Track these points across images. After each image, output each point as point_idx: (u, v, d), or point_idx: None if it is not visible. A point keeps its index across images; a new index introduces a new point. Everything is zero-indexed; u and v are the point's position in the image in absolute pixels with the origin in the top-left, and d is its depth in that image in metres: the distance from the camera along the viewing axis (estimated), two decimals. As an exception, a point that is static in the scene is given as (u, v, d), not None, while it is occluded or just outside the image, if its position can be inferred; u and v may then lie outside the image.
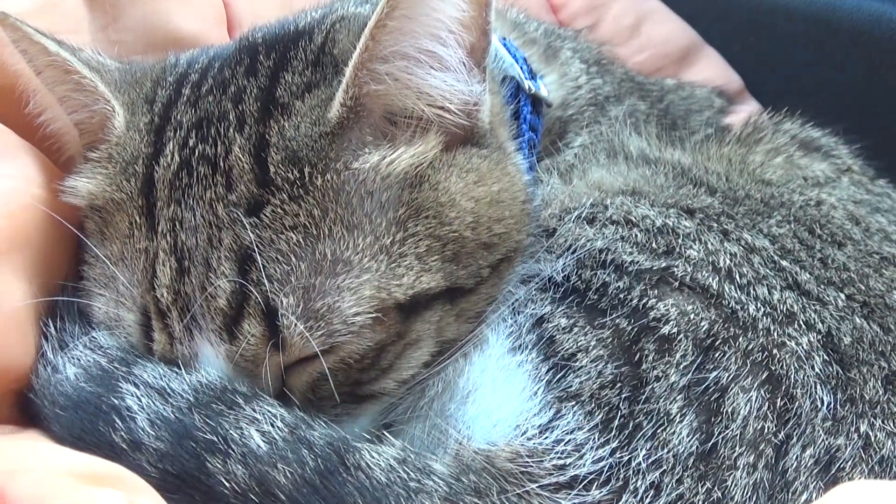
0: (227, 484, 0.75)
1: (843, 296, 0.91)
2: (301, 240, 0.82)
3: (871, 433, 0.79)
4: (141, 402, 0.82)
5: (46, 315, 0.92)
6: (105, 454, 0.78)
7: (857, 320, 0.89)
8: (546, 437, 0.76)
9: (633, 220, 0.93)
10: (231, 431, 0.79)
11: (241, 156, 0.84)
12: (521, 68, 1.12)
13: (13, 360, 0.89)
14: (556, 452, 0.75)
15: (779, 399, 0.80)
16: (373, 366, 0.86)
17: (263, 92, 0.88)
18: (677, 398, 0.79)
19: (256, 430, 0.79)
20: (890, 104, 1.72)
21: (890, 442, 0.79)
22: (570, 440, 0.75)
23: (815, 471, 0.77)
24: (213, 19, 1.29)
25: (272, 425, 0.79)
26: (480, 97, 0.91)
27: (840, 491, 0.70)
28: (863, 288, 0.93)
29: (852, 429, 0.79)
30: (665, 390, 0.79)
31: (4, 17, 0.93)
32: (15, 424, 0.88)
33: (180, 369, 0.85)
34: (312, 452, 0.76)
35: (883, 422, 0.80)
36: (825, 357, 0.84)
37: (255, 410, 0.80)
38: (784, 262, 0.92)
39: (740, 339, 0.83)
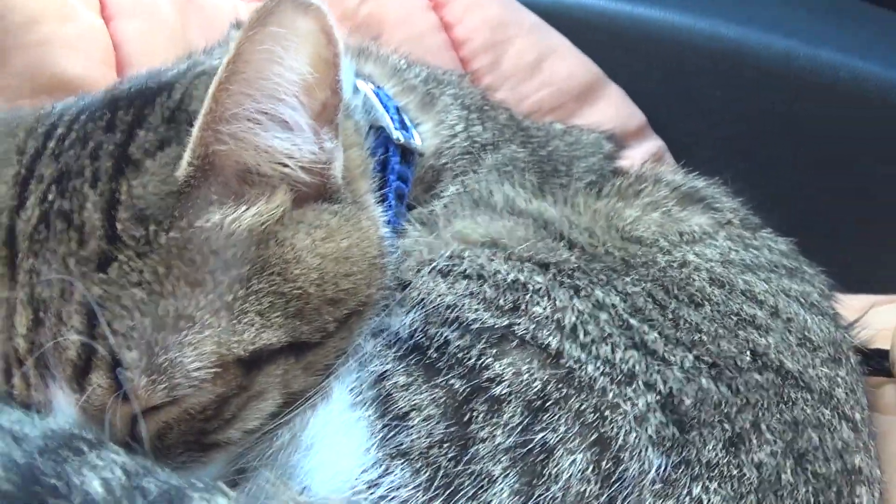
0: None
1: (690, 356, 0.93)
2: (145, 296, 0.83)
3: (704, 497, 0.81)
4: None
5: None
6: None
7: (704, 382, 0.91)
8: (372, 493, 0.78)
9: (485, 274, 0.95)
10: (73, 478, 0.77)
11: (93, 212, 0.85)
12: (392, 118, 1.13)
13: None
14: None
15: (605, 462, 0.81)
16: (216, 416, 0.87)
17: (118, 148, 0.89)
18: (502, 459, 0.80)
19: (97, 476, 0.77)
20: (794, 141, 1.80)
21: None
22: (394, 497, 0.77)
23: None
24: (100, 61, 1.31)
25: (112, 472, 0.78)
26: (332, 154, 0.93)
27: None
28: (713, 349, 0.95)
29: (684, 492, 0.81)
30: (490, 451, 0.80)
31: None
32: None
33: (35, 414, 0.85)
34: (146, 500, 0.76)
35: (719, 485, 0.82)
36: (662, 419, 0.86)
37: (98, 457, 0.79)
38: (633, 321, 0.93)
39: (572, 399, 0.84)
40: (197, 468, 0.85)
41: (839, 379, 1.03)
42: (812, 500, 0.87)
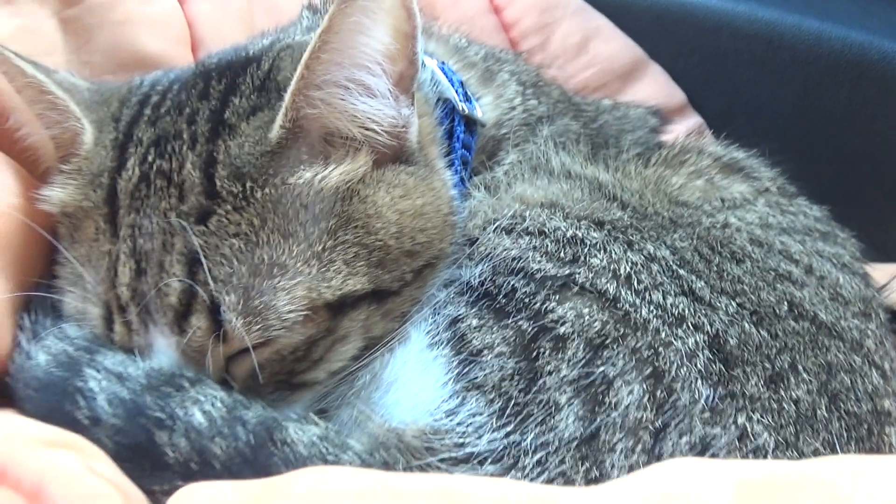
0: (171, 454, 0.83)
1: (734, 304, 0.98)
2: (242, 246, 0.90)
3: (748, 425, 0.86)
4: (101, 384, 0.89)
5: (22, 309, 0.99)
6: (68, 429, 0.85)
7: (746, 326, 0.96)
8: (451, 420, 0.84)
9: (546, 231, 1.01)
10: (177, 410, 0.87)
11: (192, 171, 0.92)
12: (457, 91, 1.20)
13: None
14: (457, 433, 0.83)
15: (659, 391, 0.87)
16: (305, 358, 0.94)
17: (214, 114, 0.96)
18: (567, 390, 0.86)
19: (199, 409, 0.87)
20: (824, 121, 1.81)
21: (766, 434, 0.86)
22: (470, 423, 0.83)
23: (691, 454, 0.84)
24: (176, 40, 1.36)
25: (212, 405, 0.87)
26: (409, 120, 0.99)
27: (661, 466, 0.74)
28: (754, 299, 1.00)
29: (730, 420, 0.86)
30: (556, 383, 0.87)
31: None
32: (-8, 405, 0.95)
33: (136, 357, 0.93)
34: (245, 429, 0.84)
35: (761, 416, 0.87)
36: (709, 356, 0.91)
37: (198, 393, 0.88)
38: (681, 271, 0.99)
39: (629, 338, 0.90)
40: (285, 406, 0.91)
41: (869, 331, 1.07)
42: (845, 435, 0.91)
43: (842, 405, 0.93)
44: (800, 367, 0.96)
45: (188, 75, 1.05)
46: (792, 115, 1.88)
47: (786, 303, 1.02)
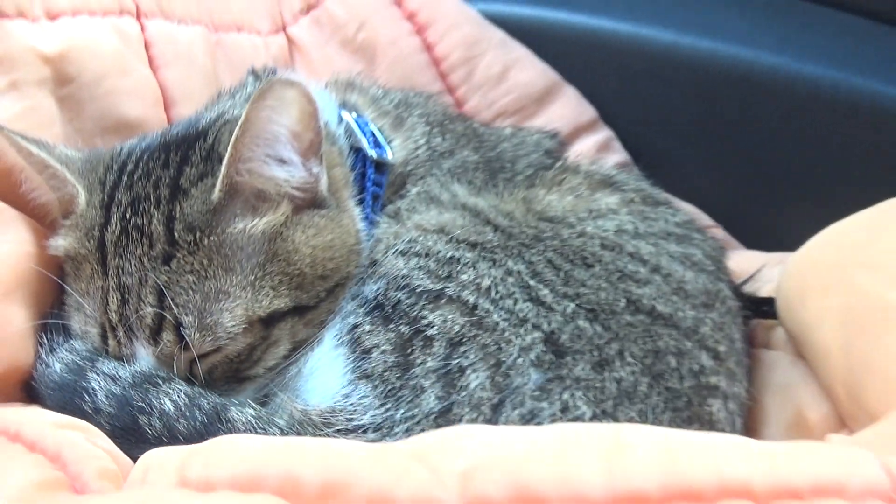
0: (149, 432, 1.02)
1: (573, 305, 1.11)
2: (195, 280, 1.08)
3: (570, 401, 1.00)
4: (100, 384, 1.08)
5: (41, 331, 1.15)
6: (77, 417, 1.04)
7: (581, 322, 1.10)
8: (345, 401, 1.02)
9: (430, 253, 1.16)
10: (153, 400, 1.05)
11: (157, 225, 1.09)
12: (368, 140, 1.33)
13: (22, 361, 1.13)
14: (348, 411, 1.01)
15: (497, 377, 1.03)
16: (247, 359, 1.11)
17: (172, 180, 1.13)
18: (431, 377, 1.03)
19: (168, 399, 1.05)
20: (720, 127, 1.96)
21: (585, 406, 1.00)
22: (360, 403, 1.02)
23: (521, 423, 0.98)
24: (152, 103, 1.45)
25: (178, 396, 1.05)
26: (318, 176, 1.15)
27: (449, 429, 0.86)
28: (594, 298, 1.12)
29: (555, 397, 1.00)
30: (423, 372, 1.04)
31: (0, 128, 1.14)
32: (23, 402, 1.13)
33: (125, 363, 1.10)
34: (201, 412, 1.02)
35: (584, 393, 1.01)
36: (543, 349, 1.06)
37: (168, 388, 1.06)
38: (531, 282, 1.12)
39: (480, 337, 1.06)
40: (234, 395, 1.08)
41: (707, 320, 1.18)
42: (662, 405, 1.04)
43: (664, 382, 1.05)
44: (626, 354, 1.09)
45: (155, 145, 1.20)
46: (692, 123, 2.00)
47: (624, 299, 1.14)
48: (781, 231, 1.51)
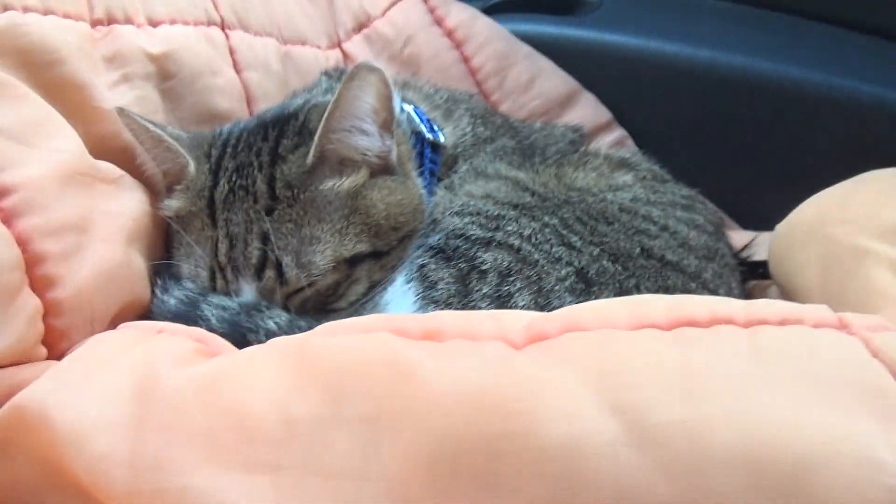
0: (256, 343, 1.05)
1: (598, 249, 1.25)
2: (293, 227, 1.21)
3: None
4: (212, 311, 1.18)
5: (154, 274, 1.25)
6: None
7: (605, 262, 1.25)
8: None
9: (480, 211, 1.30)
10: (259, 322, 1.15)
11: (261, 184, 1.24)
12: (425, 126, 1.48)
13: (142, 296, 1.22)
14: None
15: (539, 298, 1.16)
16: (333, 293, 1.24)
17: (272, 150, 1.27)
18: (486, 300, 1.16)
19: (272, 321, 1.15)
20: (716, 127, 2.15)
21: None
22: None
23: None
24: (237, 99, 1.60)
25: (280, 319, 1.16)
26: (390, 148, 1.29)
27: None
28: (614, 246, 1.27)
29: None
30: (479, 297, 1.17)
31: (121, 110, 1.26)
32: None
33: (232, 297, 1.22)
34: (300, 330, 1.11)
35: None
36: (575, 279, 1.20)
37: (271, 313, 1.17)
38: (563, 231, 1.27)
39: (524, 270, 1.19)
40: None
41: (709, 268, 1.35)
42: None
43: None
44: (641, 287, 1.23)
45: (253, 125, 1.34)
46: (695, 122, 2.16)
47: (639, 247, 1.29)
48: (774, 213, 1.57)
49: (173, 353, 0.93)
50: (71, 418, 0.82)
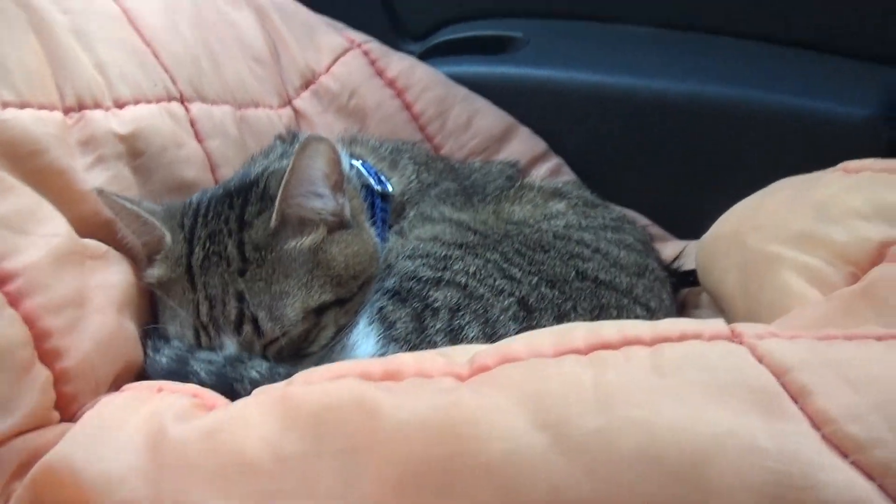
0: (243, 393, 1.11)
1: (536, 278, 1.37)
2: (265, 285, 1.29)
3: None
4: (201, 366, 1.25)
5: (145, 337, 1.33)
6: None
7: (543, 289, 1.35)
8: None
9: (429, 254, 1.40)
10: (242, 371, 1.22)
11: (232, 249, 1.31)
12: (373, 178, 1.56)
13: (136, 359, 1.30)
14: None
15: (487, 328, 1.27)
16: (305, 340, 1.31)
17: (238, 217, 1.34)
18: (440, 334, 1.27)
19: (254, 370, 1.23)
20: (642, 148, 2.28)
21: None
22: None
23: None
24: (202, 167, 1.66)
25: (261, 367, 1.24)
26: (343, 205, 1.37)
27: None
28: (551, 272, 1.38)
29: None
30: (434, 332, 1.27)
31: (100, 191, 1.32)
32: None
33: (216, 352, 1.28)
34: (280, 376, 1.16)
35: None
36: (517, 308, 1.31)
37: (252, 363, 1.24)
38: (505, 265, 1.37)
39: (473, 304, 1.30)
40: (298, 368, 1.13)
41: (640, 284, 1.47)
42: None
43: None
44: (578, 308, 1.35)
45: (219, 194, 1.41)
46: (624, 144, 2.29)
47: (573, 271, 1.40)
48: (703, 222, 1.66)
49: (175, 408, 1.03)
50: (96, 471, 0.93)
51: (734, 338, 0.96)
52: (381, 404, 0.91)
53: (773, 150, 2.09)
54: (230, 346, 1.32)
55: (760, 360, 0.90)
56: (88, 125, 1.44)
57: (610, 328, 0.99)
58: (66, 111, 1.42)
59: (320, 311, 1.35)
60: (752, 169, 1.69)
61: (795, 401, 0.84)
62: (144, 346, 1.34)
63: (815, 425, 0.81)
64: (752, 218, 1.49)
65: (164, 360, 1.31)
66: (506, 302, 1.34)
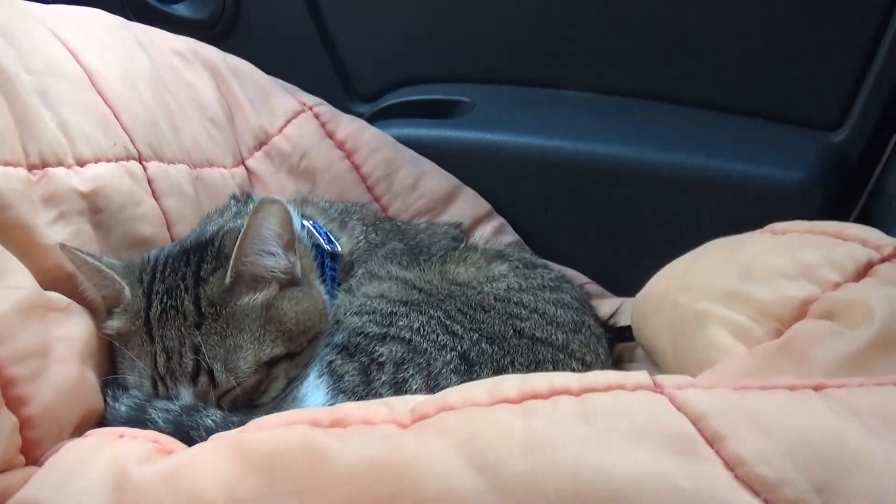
0: (197, 440, 1.17)
1: (476, 335, 1.43)
2: (219, 338, 1.33)
3: None
4: (159, 414, 1.28)
5: (105, 387, 1.36)
6: None
7: (483, 345, 1.41)
8: None
9: (376, 310, 1.45)
10: (198, 420, 1.25)
11: (189, 304, 1.35)
12: (322, 238, 1.60)
13: (96, 408, 1.32)
14: None
15: (430, 381, 1.32)
16: (257, 391, 1.35)
17: (195, 273, 1.38)
18: (385, 387, 1.31)
19: (209, 419, 1.26)
20: (586, 206, 2.33)
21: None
22: None
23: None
24: (159, 224, 1.69)
25: (215, 416, 1.27)
26: (294, 264, 1.41)
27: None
28: (490, 331, 1.45)
29: None
30: (380, 384, 1.32)
31: (62, 246, 1.34)
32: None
33: (173, 401, 1.32)
34: (234, 425, 1.14)
35: None
36: (458, 362, 1.37)
37: (207, 412, 1.27)
38: (447, 322, 1.43)
39: (417, 358, 1.35)
40: (251, 417, 1.15)
41: (576, 339, 1.51)
42: None
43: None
44: (516, 363, 1.40)
45: (176, 251, 1.45)
46: (565, 205, 2.35)
47: (512, 329, 1.46)
48: (641, 280, 1.70)
49: (137, 453, 1.07)
50: (64, 511, 0.96)
51: (656, 388, 1.00)
52: (328, 449, 0.94)
53: (710, 212, 2.13)
54: (186, 395, 1.35)
55: (679, 409, 0.95)
56: (51, 182, 1.45)
57: (540, 379, 1.03)
58: (30, 168, 1.43)
59: (272, 363, 1.38)
60: (689, 230, 1.74)
61: (711, 445, 0.89)
62: (104, 394, 1.36)
63: (729, 466, 0.87)
64: (683, 277, 1.53)
65: (123, 408, 1.33)
66: (448, 356, 1.39)
